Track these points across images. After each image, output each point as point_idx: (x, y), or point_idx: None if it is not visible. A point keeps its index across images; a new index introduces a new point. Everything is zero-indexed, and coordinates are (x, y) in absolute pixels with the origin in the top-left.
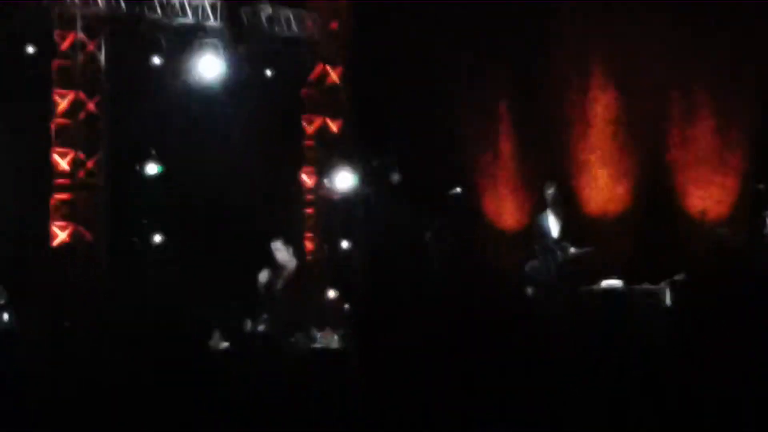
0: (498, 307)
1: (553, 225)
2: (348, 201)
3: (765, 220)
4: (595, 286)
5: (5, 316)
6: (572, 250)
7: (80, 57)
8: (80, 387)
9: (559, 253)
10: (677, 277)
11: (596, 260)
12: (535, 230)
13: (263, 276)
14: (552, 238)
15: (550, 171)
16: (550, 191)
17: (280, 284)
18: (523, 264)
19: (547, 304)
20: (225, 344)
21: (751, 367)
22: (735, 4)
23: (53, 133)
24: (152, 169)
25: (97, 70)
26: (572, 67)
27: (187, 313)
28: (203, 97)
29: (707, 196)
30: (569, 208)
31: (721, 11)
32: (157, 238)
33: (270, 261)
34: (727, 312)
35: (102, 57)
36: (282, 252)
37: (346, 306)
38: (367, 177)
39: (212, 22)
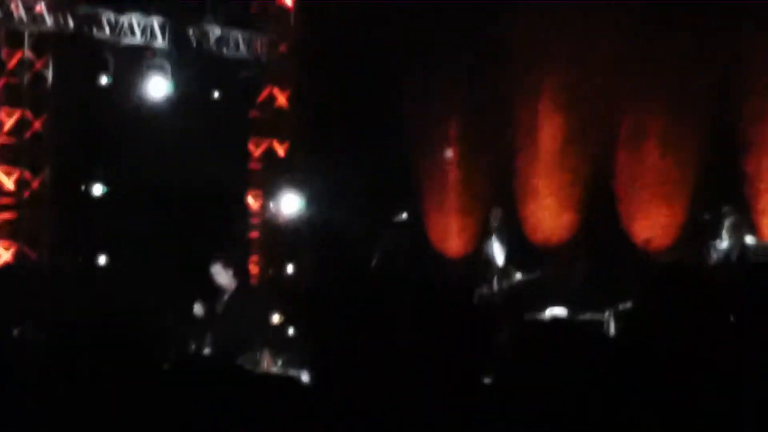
0: (447, 331)
1: (498, 251)
2: (294, 224)
3: (710, 250)
4: (539, 315)
5: None
6: (518, 276)
7: (27, 75)
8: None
9: (504, 279)
10: (622, 307)
11: (542, 287)
12: (480, 256)
13: (197, 307)
14: (498, 264)
15: (496, 196)
16: (495, 217)
17: (220, 308)
18: (470, 289)
19: (494, 331)
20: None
21: (695, 397)
22: (684, 34)
23: None
24: (98, 190)
25: (44, 89)
26: (520, 92)
27: (130, 333)
28: (150, 117)
29: (654, 225)
30: (515, 234)
31: (671, 40)
32: (102, 259)
33: (210, 285)
34: (671, 342)
35: (49, 76)
36: (222, 275)
37: (291, 330)
38: (313, 201)
39: (160, 42)
